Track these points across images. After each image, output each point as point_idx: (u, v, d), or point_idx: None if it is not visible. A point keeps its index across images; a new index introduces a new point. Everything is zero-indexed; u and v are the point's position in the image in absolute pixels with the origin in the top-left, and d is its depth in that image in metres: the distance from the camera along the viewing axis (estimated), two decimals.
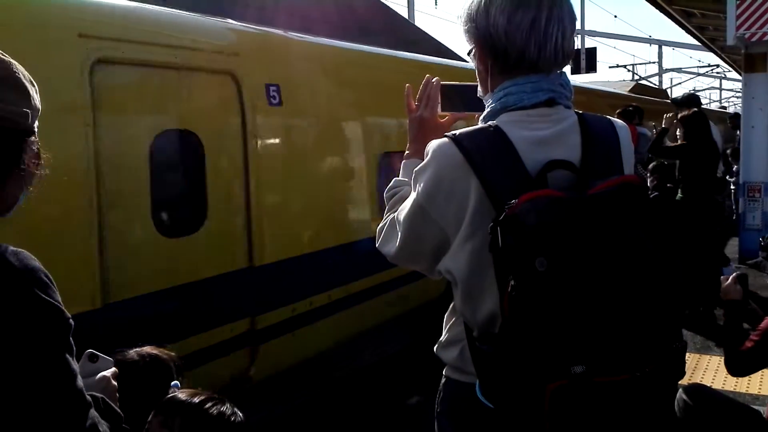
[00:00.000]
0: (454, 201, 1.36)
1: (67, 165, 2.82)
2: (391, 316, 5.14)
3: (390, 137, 5.17)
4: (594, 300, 1.20)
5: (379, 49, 5.48)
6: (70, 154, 2.87)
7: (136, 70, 3.27)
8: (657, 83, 35.90)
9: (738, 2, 8.06)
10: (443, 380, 1.54)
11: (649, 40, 28.37)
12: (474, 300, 1.37)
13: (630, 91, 14.45)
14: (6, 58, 1.16)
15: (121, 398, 1.81)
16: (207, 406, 1.71)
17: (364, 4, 6.43)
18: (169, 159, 3.47)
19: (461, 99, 1.70)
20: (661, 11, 11.58)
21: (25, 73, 1.18)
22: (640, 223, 1.25)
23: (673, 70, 39.27)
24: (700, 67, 39.06)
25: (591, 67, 12.20)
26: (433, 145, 1.40)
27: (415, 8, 17.53)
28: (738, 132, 10.59)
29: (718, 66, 36.47)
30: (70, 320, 1.10)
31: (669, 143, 6.44)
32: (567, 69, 1.53)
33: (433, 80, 1.72)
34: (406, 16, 18.47)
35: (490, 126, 1.38)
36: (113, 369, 1.56)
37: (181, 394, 1.73)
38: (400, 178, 1.69)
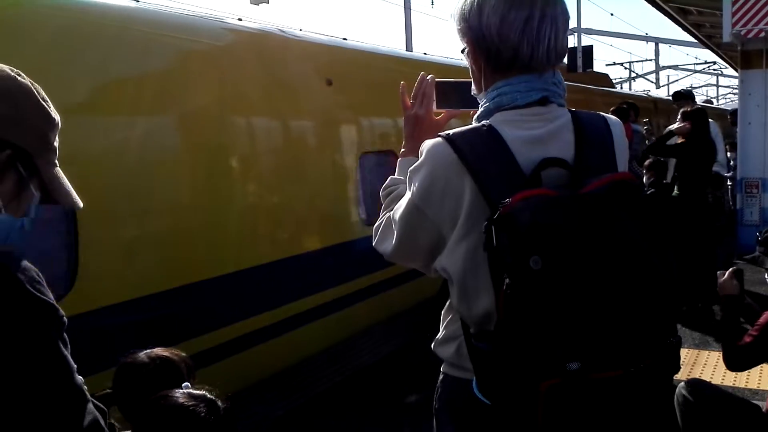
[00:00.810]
0: (449, 200, 1.37)
1: None
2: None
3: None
4: (588, 298, 1.21)
5: None
6: None
7: None
8: (654, 80, 35.94)
9: None
10: (441, 377, 1.55)
11: (646, 38, 28.41)
12: (469, 298, 1.38)
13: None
14: (16, 76, 1.19)
15: (131, 402, 1.81)
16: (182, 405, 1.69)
17: None
18: None
19: (457, 96, 1.71)
20: (657, 9, 11.58)
21: (39, 99, 1.20)
22: (633, 220, 1.26)
23: (669, 67, 39.32)
24: (697, 64, 39.07)
25: (588, 66, 12.18)
26: (426, 144, 1.41)
27: (412, 8, 17.51)
28: (736, 128, 10.61)
29: (714, 63, 36.49)
30: (64, 317, 1.12)
31: (678, 140, 6.44)
32: (563, 67, 1.54)
33: (428, 77, 1.72)
34: (403, 16, 18.51)
35: (483, 125, 1.39)
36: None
37: (176, 397, 1.73)
38: (395, 176, 1.69)
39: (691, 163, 6.19)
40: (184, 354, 2.03)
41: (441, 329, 1.55)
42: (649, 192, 6.20)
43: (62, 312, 1.11)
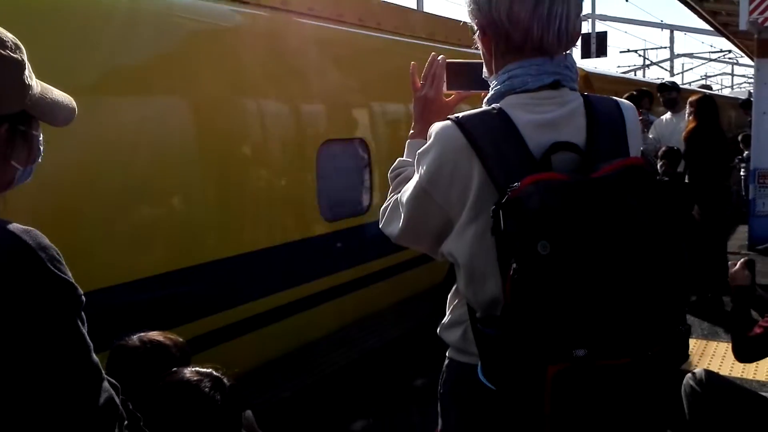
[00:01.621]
0: (457, 184, 1.35)
1: None
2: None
3: None
4: (596, 284, 1.20)
5: None
6: None
7: None
8: (668, 68, 35.55)
9: None
10: (446, 361, 1.55)
11: (661, 25, 28.04)
12: (476, 283, 1.36)
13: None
14: None
15: (124, 384, 1.82)
16: (194, 382, 1.70)
17: None
18: None
19: (467, 77, 1.68)
20: None
21: (12, 47, 1.14)
22: (644, 206, 1.24)
23: (684, 55, 38.88)
24: (712, 52, 38.61)
25: (601, 52, 12.06)
26: (435, 127, 1.39)
27: None
28: (749, 118, 10.49)
29: (730, 51, 36.06)
30: (82, 296, 1.13)
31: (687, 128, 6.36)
32: (576, 53, 1.51)
33: (439, 58, 1.70)
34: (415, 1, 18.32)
35: (493, 108, 1.37)
36: None
37: (182, 373, 1.74)
38: (404, 158, 1.68)
39: (701, 151, 6.11)
40: (180, 339, 2.04)
41: (447, 314, 1.54)
42: (664, 180, 6.14)
43: (80, 291, 1.13)
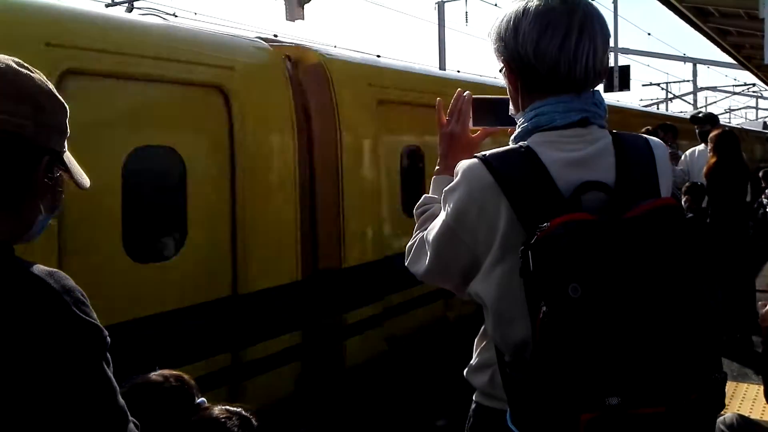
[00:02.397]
0: (484, 223, 1.33)
1: None
2: None
3: None
4: (629, 328, 1.16)
5: None
6: None
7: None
8: (692, 102, 35.38)
9: None
10: (473, 405, 1.50)
11: (684, 58, 27.97)
12: (504, 325, 1.33)
13: None
14: (26, 71, 1.16)
15: (147, 420, 1.83)
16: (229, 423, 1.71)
17: None
18: None
19: (493, 113, 1.68)
20: (696, 29, 11.41)
21: (51, 89, 1.19)
22: (677, 247, 1.21)
23: (707, 88, 38.67)
24: (736, 86, 38.39)
25: (624, 85, 12.06)
26: (462, 165, 1.38)
27: (446, 26, 17.59)
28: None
29: (754, 85, 35.83)
30: (108, 337, 1.12)
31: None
32: (599, 87, 1.50)
33: (465, 94, 1.70)
34: (437, 34, 18.58)
35: (521, 147, 1.35)
36: None
37: (212, 411, 1.77)
38: (430, 194, 1.66)
39: (723, 187, 6.01)
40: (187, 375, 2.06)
41: (474, 355, 1.51)
42: (687, 217, 6.05)
43: (106, 332, 1.12)
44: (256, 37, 4.77)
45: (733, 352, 5.48)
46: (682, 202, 6.29)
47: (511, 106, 1.50)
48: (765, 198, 10.75)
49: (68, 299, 1.07)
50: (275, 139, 4.20)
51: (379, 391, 4.78)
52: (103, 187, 3.11)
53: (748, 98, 41.89)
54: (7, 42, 2.78)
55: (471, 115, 1.70)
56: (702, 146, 7.00)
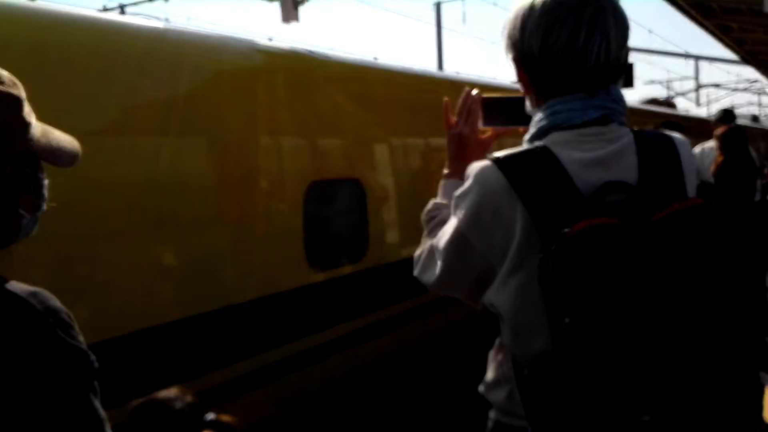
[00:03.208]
0: (499, 230, 1.25)
1: None
2: None
3: None
4: (659, 340, 1.08)
5: None
6: None
7: None
8: (694, 99, 35.31)
9: None
10: (490, 424, 1.42)
11: (686, 55, 27.91)
12: (523, 337, 1.25)
13: None
14: None
15: None
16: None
17: None
18: None
19: (504, 112, 1.61)
20: (698, 25, 11.36)
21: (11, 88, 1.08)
22: (709, 251, 1.13)
23: (710, 85, 38.56)
24: (738, 82, 38.26)
25: (628, 83, 11.99)
26: (474, 168, 1.30)
27: (443, 25, 17.57)
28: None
29: (756, 81, 35.70)
30: (95, 363, 1.05)
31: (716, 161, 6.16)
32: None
33: (473, 93, 1.62)
34: (435, 34, 18.56)
35: (537, 147, 1.27)
36: None
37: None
38: (438, 200, 1.59)
39: (732, 185, 5.91)
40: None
41: (489, 370, 1.42)
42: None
43: (93, 357, 1.05)
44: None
45: (761, 360, 5.36)
46: None
47: (527, 101, 1.42)
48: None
49: (52, 321, 1.00)
50: None
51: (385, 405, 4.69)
52: None
53: (751, 95, 41.79)
54: None
55: (480, 115, 1.62)
56: (711, 142, 6.87)
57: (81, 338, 1.03)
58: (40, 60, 2.87)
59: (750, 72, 29.29)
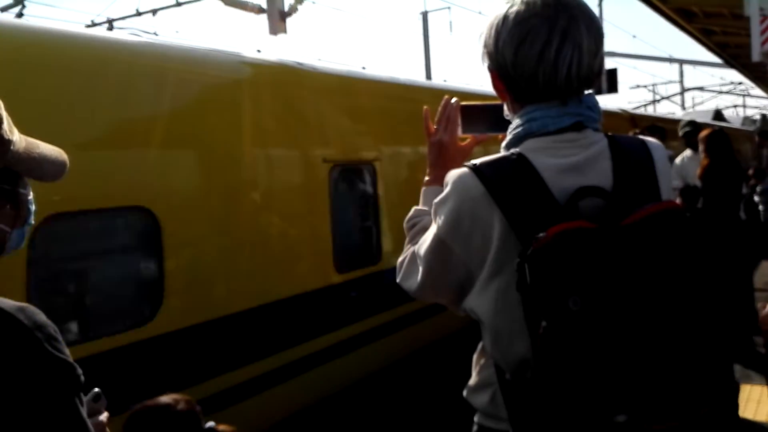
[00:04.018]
0: (477, 236, 1.27)
1: None
2: None
3: None
4: (634, 341, 1.10)
5: None
6: None
7: None
8: (679, 103, 35.60)
9: (761, 18, 7.93)
10: (475, 428, 1.43)
11: (670, 59, 28.15)
12: (503, 342, 1.27)
13: None
14: None
15: None
16: None
17: None
18: None
19: (482, 120, 1.63)
20: (681, 30, 11.48)
21: None
22: (682, 253, 1.15)
23: (695, 88, 38.91)
24: (723, 84, 38.62)
25: (612, 88, 12.11)
26: (452, 175, 1.32)
27: (430, 34, 17.66)
28: (764, 150, 10.33)
29: (740, 83, 36.06)
30: (81, 376, 1.06)
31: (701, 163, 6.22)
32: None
33: (452, 101, 1.64)
34: (422, 42, 18.66)
35: (512, 154, 1.29)
36: (106, 413, 1.51)
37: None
38: (420, 207, 1.60)
39: (718, 187, 5.97)
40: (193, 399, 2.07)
41: (473, 374, 1.44)
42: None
43: (80, 370, 1.06)
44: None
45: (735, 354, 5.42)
46: None
47: (506, 108, 1.45)
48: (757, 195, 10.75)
49: (40, 336, 1.01)
50: None
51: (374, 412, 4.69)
52: None
53: (735, 97, 42.16)
54: None
55: (460, 123, 1.64)
56: (688, 152, 6.93)
57: (67, 351, 1.04)
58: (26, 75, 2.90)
59: (734, 74, 29.57)
